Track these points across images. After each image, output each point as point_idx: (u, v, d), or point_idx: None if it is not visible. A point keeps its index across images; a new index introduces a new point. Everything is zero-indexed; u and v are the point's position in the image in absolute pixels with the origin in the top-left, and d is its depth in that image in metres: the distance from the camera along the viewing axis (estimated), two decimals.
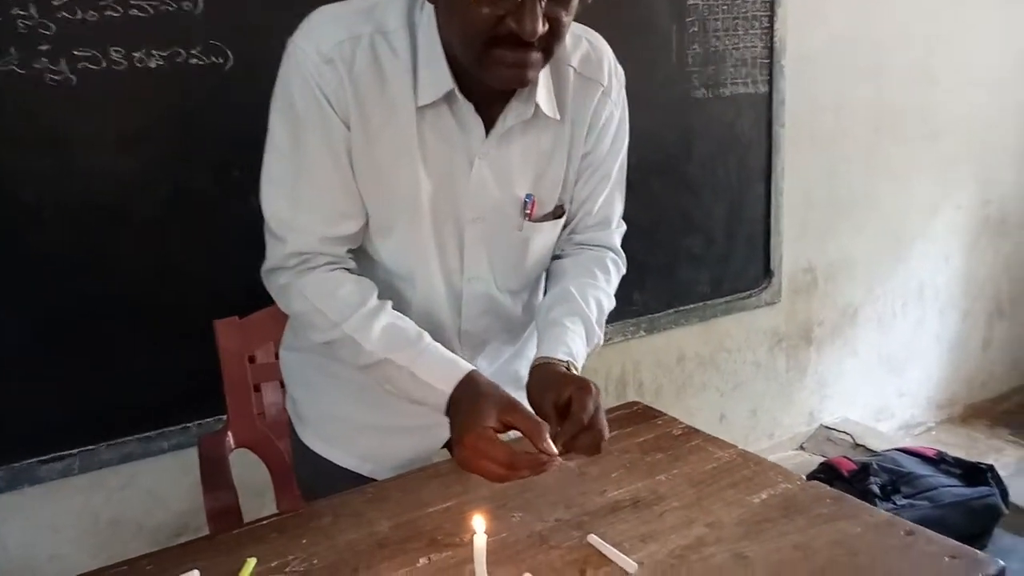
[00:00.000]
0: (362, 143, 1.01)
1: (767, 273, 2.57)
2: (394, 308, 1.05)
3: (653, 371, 2.43)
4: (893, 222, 2.88)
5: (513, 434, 0.94)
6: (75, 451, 1.59)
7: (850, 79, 2.63)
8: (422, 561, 0.93)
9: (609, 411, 1.31)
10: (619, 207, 1.22)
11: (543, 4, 0.89)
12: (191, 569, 0.91)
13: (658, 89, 2.22)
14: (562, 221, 1.16)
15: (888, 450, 2.48)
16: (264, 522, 1.04)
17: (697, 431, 1.24)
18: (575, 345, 1.07)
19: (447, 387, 0.98)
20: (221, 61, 1.62)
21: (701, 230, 2.40)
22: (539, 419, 0.93)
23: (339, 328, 1.02)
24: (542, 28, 0.90)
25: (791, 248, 2.61)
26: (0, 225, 1.49)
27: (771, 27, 2.40)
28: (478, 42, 0.92)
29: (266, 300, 1.10)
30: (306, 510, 1.06)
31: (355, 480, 1.16)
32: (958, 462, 2.35)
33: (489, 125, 1.04)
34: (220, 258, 1.64)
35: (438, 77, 0.99)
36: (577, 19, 0.99)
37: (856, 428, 2.81)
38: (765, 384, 2.69)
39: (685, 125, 2.30)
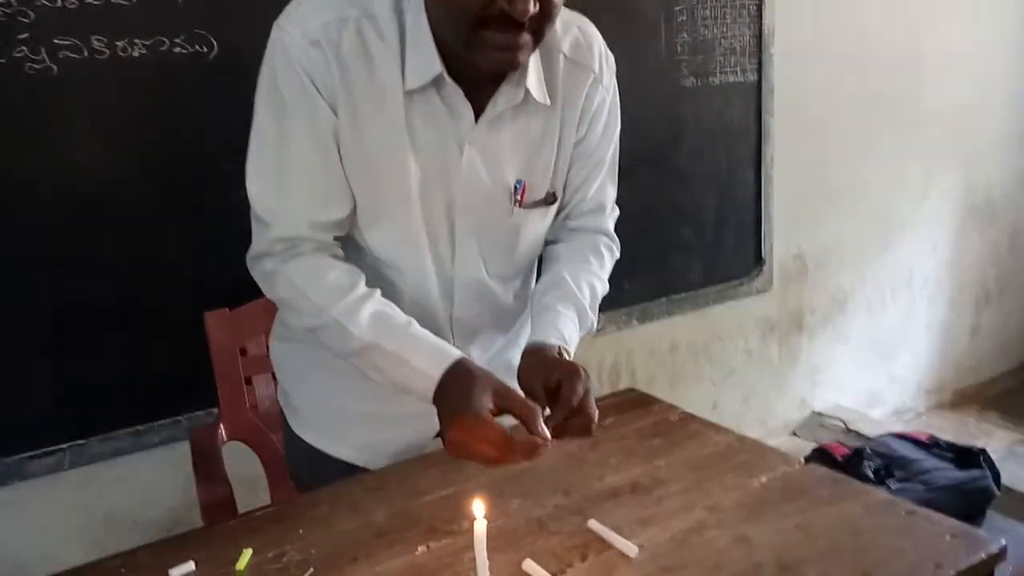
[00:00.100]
0: (350, 129, 0.99)
1: (758, 261, 2.57)
2: (384, 298, 1.04)
3: (646, 360, 2.43)
4: (881, 209, 2.89)
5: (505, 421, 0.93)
6: (65, 446, 1.57)
7: (838, 67, 2.63)
8: (420, 549, 0.92)
9: (605, 398, 1.32)
10: (612, 192, 1.22)
11: None
12: (187, 561, 0.90)
13: (647, 78, 2.21)
14: (553, 208, 1.15)
15: (881, 435, 2.49)
16: (259, 513, 1.02)
17: (694, 416, 1.23)
18: (567, 330, 1.07)
19: (436, 372, 0.96)
20: (206, 50, 1.60)
21: (692, 219, 2.40)
22: (533, 403, 0.92)
23: (326, 313, 1.00)
24: (533, 8, 0.89)
25: (781, 236, 2.61)
26: None
27: (759, 16, 2.40)
28: (467, 23, 0.90)
29: (256, 292, 1.08)
30: (302, 500, 1.05)
31: (349, 471, 1.15)
32: (950, 446, 2.37)
33: (479, 111, 1.02)
34: (209, 250, 1.63)
35: (426, 61, 0.97)
36: (566, 7, 0.99)
37: (848, 414, 2.82)
38: (758, 372, 2.70)
39: (674, 114, 2.30)
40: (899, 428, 2.65)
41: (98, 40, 1.50)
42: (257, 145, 1.01)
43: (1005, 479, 2.34)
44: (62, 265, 1.53)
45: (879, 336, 3.00)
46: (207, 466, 1.32)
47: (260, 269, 1.05)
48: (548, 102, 1.06)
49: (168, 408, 1.66)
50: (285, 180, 1.00)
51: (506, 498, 1.01)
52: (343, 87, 0.97)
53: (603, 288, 1.17)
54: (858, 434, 2.67)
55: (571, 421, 0.94)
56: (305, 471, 1.24)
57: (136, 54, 1.54)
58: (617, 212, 1.23)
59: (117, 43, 1.52)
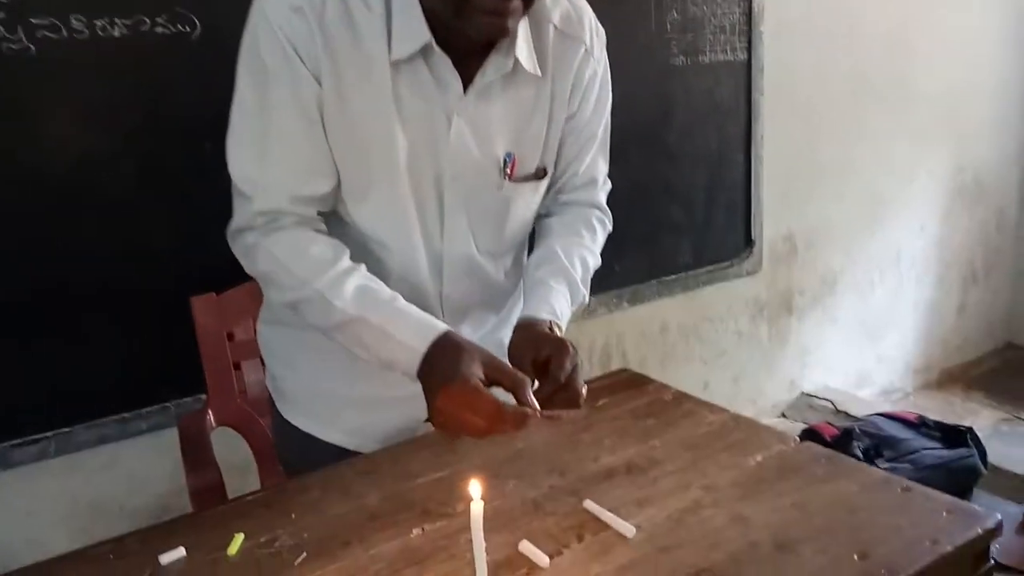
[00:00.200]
0: (335, 100, 0.97)
1: (748, 242, 2.57)
2: (372, 275, 1.02)
3: (637, 342, 2.42)
4: (870, 189, 2.89)
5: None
6: (50, 434, 1.54)
7: (828, 47, 2.62)
8: (415, 532, 0.91)
9: (598, 379, 1.31)
10: (604, 166, 1.21)
11: None
12: (177, 547, 0.88)
13: (637, 56, 2.19)
14: (544, 183, 1.14)
15: (869, 415, 2.50)
16: (250, 498, 1.01)
17: (688, 396, 1.23)
18: (559, 304, 1.06)
19: (421, 345, 0.93)
20: (188, 30, 1.57)
21: (682, 199, 2.39)
22: (523, 375, 0.91)
23: (309, 286, 0.97)
24: None
25: (771, 217, 2.61)
26: None
27: None
28: None
29: (243, 276, 1.06)
30: (292, 485, 1.04)
31: (340, 455, 1.13)
32: (938, 425, 2.38)
33: (467, 82, 1.00)
34: (194, 233, 1.59)
35: (414, 29, 0.95)
36: None
37: (836, 395, 2.83)
38: (747, 353, 2.70)
39: (664, 93, 2.28)
40: (887, 408, 2.66)
41: (77, 20, 1.47)
42: (238, 115, 0.99)
43: (991, 457, 2.36)
44: (42, 250, 1.50)
45: (867, 316, 3.01)
46: (196, 452, 1.30)
47: (241, 243, 1.02)
48: (538, 73, 1.04)
49: (155, 395, 1.64)
50: (267, 151, 0.98)
51: (501, 479, 1.00)
52: (327, 56, 0.95)
53: (595, 262, 1.17)
54: (847, 414, 2.69)
55: (558, 395, 0.93)
56: (294, 456, 1.23)
57: (117, 34, 1.50)
58: (609, 185, 1.23)
59: (96, 22, 1.48)
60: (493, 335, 1.20)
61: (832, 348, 2.93)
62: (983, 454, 2.32)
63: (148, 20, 1.53)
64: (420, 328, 0.95)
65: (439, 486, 1.00)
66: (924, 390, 3.23)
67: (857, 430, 2.32)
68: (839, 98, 2.70)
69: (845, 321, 2.95)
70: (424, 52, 0.97)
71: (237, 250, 1.04)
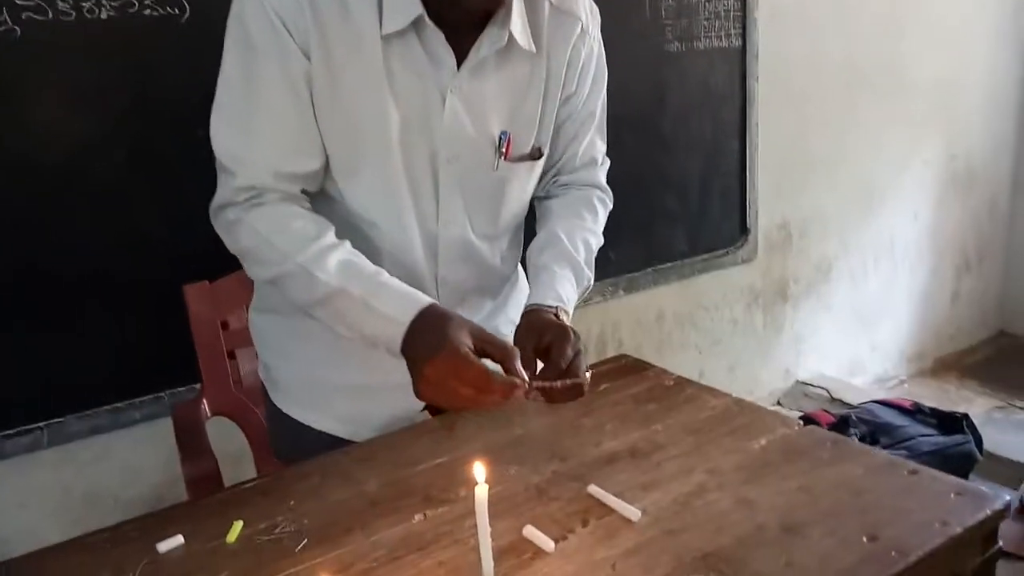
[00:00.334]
0: (324, 74, 0.95)
1: (743, 230, 2.56)
2: (359, 252, 0.99)
3: (633, 330, 2.41)
4: (864, 177, 2.89)
5: None
6: (42, 424, 1.52)
7: (821, 34, 2.62)
8: (417, 518, 0.90)
9: (597, 364, 1.30)
10: (602, 146, 1.21)
11: None
12: (175, 535, 0.87)
13: (631, 42, 2.17)
14: (540, 164, 1.12)
15: (865, 402, 2.50)
16: (248, 485, 0.99)
17: (689, 381, 1.22)
18: (563, 290, 1.05)
19: (405, 317, 0.90)
20: (177, 12, 1.54)
21: (677, 187, 2.38)
22: (512, 345, 0.89)
23: (291, 260, 0.95)
24: None
25: (766, 205, 2.60)
26: None
27: None
28: None
29: (236, 264, 1.04)
30: (291, 472, 1.02)
31: (333, 445, 1.11)
32: (934, 412, 2.39)
33: (461, 58, 0.99)
34: (185, 220, 1.56)
35: (405, 2, 0.93)
36: None
37: (831, 383, 2.83)
38: (743, 341, 2.70)
39: (659, 79, 2.27)
40: (881, 396, 2.66)
41: (63, 1, 1.44)
42: (223, 89, 0.97)
43: (986, 445, 2.37)
44: (31, 237, 1.48)
45: (861, 305, 3.01)
46: (192, 441, 1.29)
47: (223, 219, 1.00)
48: (533, 48, 1.03)
49: (148, 385, 1.62)
50: (251, 126, 0.96)
51: (503, 465, 0.98)
52: (316, 29, 0.93)
53: (597, 242, 1.16)
54: (842, 402, 2.69)
55: (560, 383, 0.92)
56: (288, 446, 1.21)
57: (104, 16, 1.47)
58: (608, 163, 1.22)
59: (83, 4, 1.45)
60: (489, 322, 1.18)
61: (826, 336, 2.93)
62: (979, 441, 2.32)
63: (136, 2, 1.50)
64: (404, 301, 0.93)
65: (440, 472, 0.99)
66: (918, 378, 3.23)
67: (853, 417, 2.32)
68: (833, 86, 2.69)
69: (839, 309, 2.95)
70: (416, 26, 0.95)
71: (219, 227, 1.01)
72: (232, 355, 1.41)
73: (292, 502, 0.94)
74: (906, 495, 0.89)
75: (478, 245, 1.11)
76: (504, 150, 1.05)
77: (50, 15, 1.43)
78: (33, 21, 1.41)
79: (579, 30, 1.08)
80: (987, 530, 0.86)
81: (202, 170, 1.48)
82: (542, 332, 0.96)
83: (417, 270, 1.06)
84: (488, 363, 0.87)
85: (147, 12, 1.51)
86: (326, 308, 0.96)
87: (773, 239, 2.69)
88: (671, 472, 0.97)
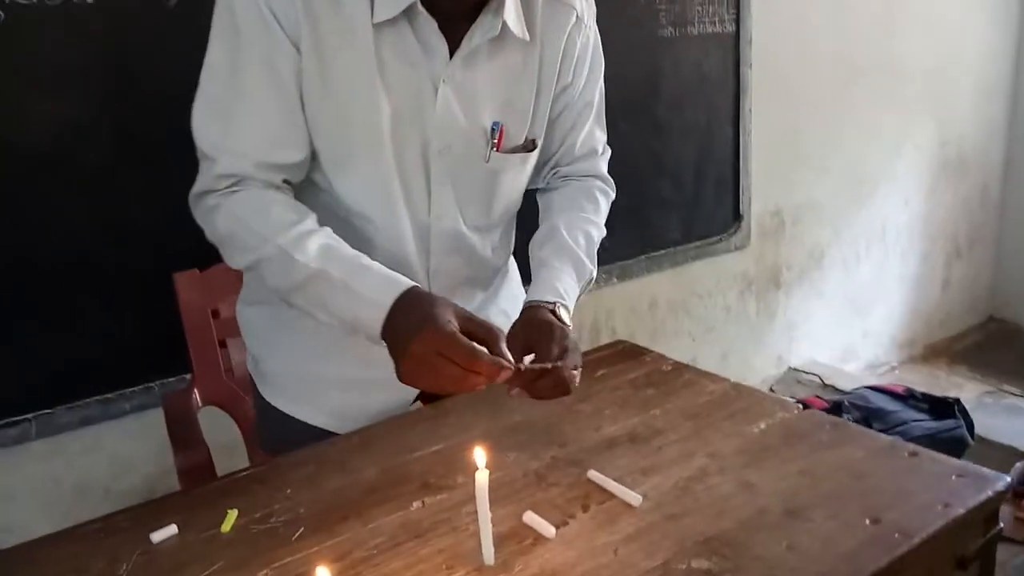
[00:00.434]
0: (314, 65, 0.93)
1: (736, 217, 2.55)
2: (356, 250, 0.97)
3: (626, 318, 2.41)
4: (856, 164, 2.88)
5: None
6: (31, 416, 1.50)
7: (814, 20, 2.60)
8: (415, 505, 0.89)
9: (595, 350, 1.29)
10: (601, 136, 1.19)
11: None
12: (168, 524, 0.85)
13: (625, 27, 2.15)
14: (533, 156, 1.11)
15: (858, 388, 2.51)
16: (242, 474, 0.98)
17: (686, 366, 1.21)
18: (562, 284, 1.04)
19: (386, 299, 0.87)
20: None
21: (671, 174, 2.36)
22: (497, 327, 0.87)
23: (270, 243, 0.92)
24: None
25: (759, 191, 2.59)
26: None
27: None
28: None
29: None
30: (286, 460, 1.01)
31: (322, 438, 1.09)
32: (925, 397, 2.40)
33: (453, 48, 0.97)
34: (174, 207, 1.52)
35: None
36: None
37: (823, 369, 2.84)
38: (736, 328, 2.69)
39: (653, 65, 2.25)
40: (873, 382, 2.67)
41: None
42: (207, 77, 0.95)
43: (976, 429, 2.38)
44: (17, 225, 1.45)
45: (854, 291, 3.02)
46: (183, 431, 1.27)
47: (203, 206, 0.98)
48: (527, 37, 1.01)
49: (138, 375, 1.60)
50: (233, 115, 0.93)
51: (501, 451, 0.98)
52: (306, 18, 0.91)
53: (599, 233, 1.15)
54: (835, 388, 2.69)
55: (544, 380, 0.90)
56: (278, 440, 1.18)
57: (90, 0, 1.44)
58: (609, 152, 1.20)
59: None
60: (480, 313, 1.15)
61: (819, 323, 2.94)
62: (970, 425, 2.34)
63: None
64: (386, 283, 0.90)
65: (438, 458, 0.98)
66: (909, 364, 3.25)
67: (846, 403, 2.33)
68: (825, 72, 2.69)
69: (832, 296, 2.95)
70: (408, 14, 0.93)
71: (198, 214, 0.99)
72: (223, 344, 1.39)
73: (288, 490, 0.92)
74: (907, 477, 0.89)
75: (470, 237, 1.10)
76: (496, 141, 1.04)
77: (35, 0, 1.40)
78: (17, 5, 1.38)
79: (574, 19, 1.06)
80: (988, 511, 0.86)
81: (191, 157, 1.45)
82: (530, 330, 0.95)
83: (409, 262, 1.05)
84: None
85: None
86: (305, 292, 0.93)
87: (766, 226, 2.68)
88: (671, 457, 0.96)
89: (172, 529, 0.85)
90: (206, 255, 1.25)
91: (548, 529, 0.82)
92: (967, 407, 2.40)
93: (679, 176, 2.38)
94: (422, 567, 0.79)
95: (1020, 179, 3.36)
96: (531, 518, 0.84)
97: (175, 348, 1.36)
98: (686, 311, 2.56)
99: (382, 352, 0.89)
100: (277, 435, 1.19)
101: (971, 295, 3.43)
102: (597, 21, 1.12)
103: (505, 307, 1.21)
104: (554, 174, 1.18)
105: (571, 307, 1.03)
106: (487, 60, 1.00)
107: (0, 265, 1.44)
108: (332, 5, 0.91)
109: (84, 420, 1.56)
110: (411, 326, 0.84)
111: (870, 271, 3.05)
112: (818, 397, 2.44)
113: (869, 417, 2.28)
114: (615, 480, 0.90)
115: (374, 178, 1.00)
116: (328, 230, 0.96)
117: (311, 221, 0.95)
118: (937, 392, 2.53)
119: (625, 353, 1.27)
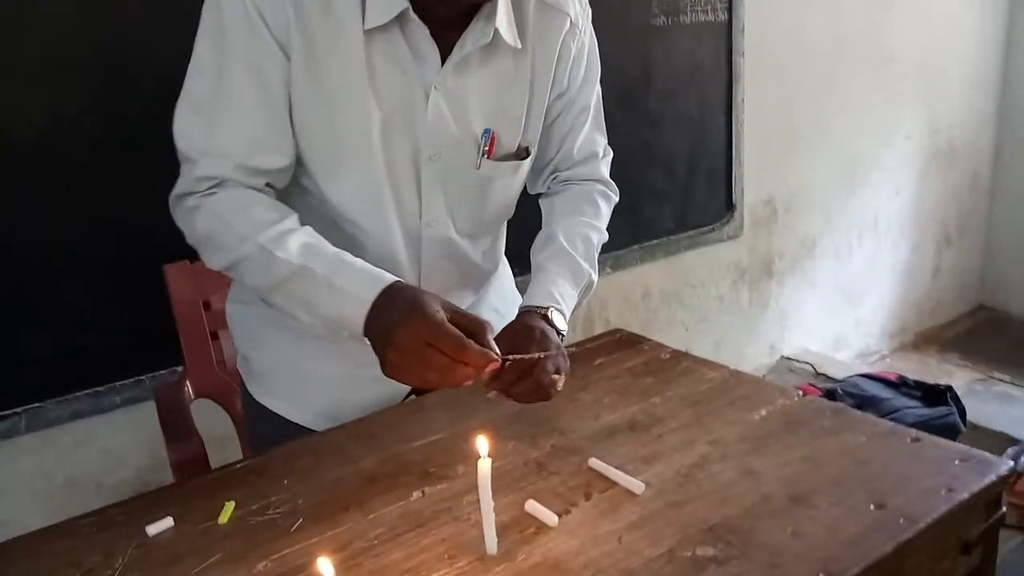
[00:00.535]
0: (304, 71, 0.92)
1: (729, 207, 2.55)
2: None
3: (619, 308, 2.40)
4: (848, 153, 2.89)
5: None
6: (20, 410, 1.48)
7: (805, 8, 2.60)
8: (416, 495, 0.88)
9: (592, 339, 1.29)
10: (601, 139, 1.19)
11: None
12: (164, 517, 0.84)
13: (617, 16, 2.14)
14: (526, 164, 1.09)
15: (850, 376, 2.51)
16: (239, 465, 0.97)
17: (685, 354, 1.21)
18: (557, 289, 1.04)
19: (369, 294, 0.86)
20: None
21: (663, 164, 2.36)
22: (483, 318, 0.86)
23: (250, 241, 0.90)
24: None
25: (751, 181, 2.59)
26: None
27: None
28: None
29: None
30: (283, 451, 0.99)
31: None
32: (918, 384, 2.41)
33: (444, 54, 0.96)
34: (164, 199, 1.52)
35: None
36: None
37: (816, 358, 2.84)
38: (728, 318, 2.70)
39: (645, 54, 2.24)
40: (865, 370, 2.68)
41: None
42: (192, 77, 0.93)
43: (968, 416, 2.39)
44: (5, 218, 1.42)
45: (845, 280, 3.02)
46: (176, 423, 1.25)
47: (183, 208, 0.96)
48: (519, 45, 1.00)
49: (129, 368, 1.58)
50: (216, 117, 0.92)
51: (501, 440, 0.96)
52: (296, 23, 0.89)
53: (599, 237, 1.14)
54: (827, 377, 2.70)
55: (523, 384, 0.90)
56: (268, 439, 1.17)
57: None
58: (610, 155, 1.20)
59: None
60: (470, 311, 1.16)
61: (811, 312, 2.94)
62: (962, 412, 2.35)
63: None
64: (369, 278, 0.88)
65: (437, 448, 0.97)
66: (900, 352, 3.26)
67: (839, 391, 2.33)
68: (817, 62, 2.68)
69: (824, 285, 2.96)
70: (400, 20, 0.92)
71: (178, 216, 0.97)
72: (215, 336, 1.38)
73: (286, 481, 0.91)
74: (911, 462, 0.89)
75: (461, 243, 1.08)
76: (487, 148, 1.03)
77: None
78: None
79: (568, 25, 1.05)
80: (991, 496, 0.86)
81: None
82: (515, 333, 0.95)
83: (399, 268, 1.04)
84: None
85: None
86: (287, 290, 0.91)
87: (759, 215, 2.68)
88: (672, 444, 0.95)
89: (168, 522, 0.84)
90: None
91: (551, 518, 0.81)
92: (960, 394, 2.42)
93: (671, 166, 2.37)
94: (424, 557, 0.78)
95: (1009, 168, 3.38)
96: (533, 507, 0.83)
97: (165, 341, 1.35)
98: (679, 301, 2.55)
99: (372, 349, 0.88)
100: (268, 435, 1.16)
101: (961, 283, 3.45)
102: (590, 8, 1.10)
103: (496, 304, 1.20)
104: (555, 179, 1.18)
105: (567, 311, 1.03)
106: (479, 67, 0.99)
107: None
108: (323, 11, 0.90)
109: (74, 414, 1.54)
110: (397, 317, 0.83)
111: (862, 260, 3.06)
112: (811, 385, 2.44)
113: (862, 405, 2.28)
114: (616, 468, 0.89)
115: (365, 184, 0.99)
116: (309, 228, 0.94)
117: (292, 220, 0.94)
118: (928, 380, 2.54)
119: (623, 342, 1.26)
